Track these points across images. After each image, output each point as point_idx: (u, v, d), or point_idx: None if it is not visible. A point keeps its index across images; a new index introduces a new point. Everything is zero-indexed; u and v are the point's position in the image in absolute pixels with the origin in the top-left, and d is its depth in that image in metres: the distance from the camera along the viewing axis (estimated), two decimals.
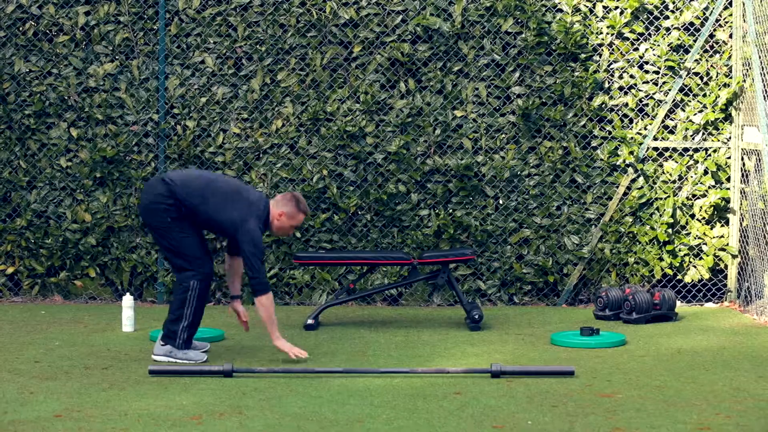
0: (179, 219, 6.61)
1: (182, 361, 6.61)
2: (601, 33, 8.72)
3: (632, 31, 8.71)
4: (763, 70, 8.13)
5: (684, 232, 8.73)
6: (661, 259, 8.69)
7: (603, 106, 8.72)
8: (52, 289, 8.88)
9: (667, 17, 8.72)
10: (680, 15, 8.69)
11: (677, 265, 8.71)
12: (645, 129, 8.73)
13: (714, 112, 8.65)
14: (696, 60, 8.69)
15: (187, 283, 6.63)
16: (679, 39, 8.69)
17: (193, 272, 6.63)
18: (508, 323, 8.00)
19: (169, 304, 6.87)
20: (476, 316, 7.72)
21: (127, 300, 7.65)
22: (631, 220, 8.72)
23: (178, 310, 6.66)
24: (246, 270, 6.59)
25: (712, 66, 8.71)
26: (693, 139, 8.73)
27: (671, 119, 8.76)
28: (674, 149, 8.75)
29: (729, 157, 8.71)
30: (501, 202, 8.76)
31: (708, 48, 8.72)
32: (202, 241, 6.73)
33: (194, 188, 6.62)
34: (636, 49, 8.72)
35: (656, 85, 8.72)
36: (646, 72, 8.73)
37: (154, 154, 8.80)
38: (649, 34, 8.73)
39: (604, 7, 8.73)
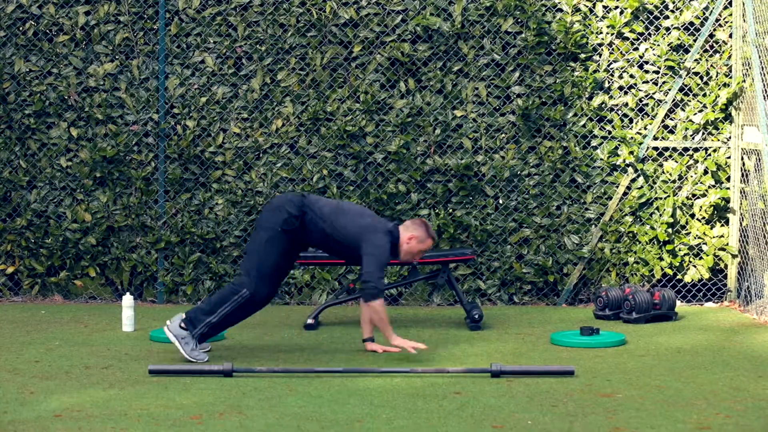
0: (287, 235, 6.63)
1: (187, 356, 6.57)
2: (601, 33, 8.72)
3: (632, 31, 8.70)
4: (762, 69, 8.12)
5: (684, 231, 8.73)
6: (661, 259, 8.69)
7: (603, 105, 8.71)
8: (52, 289, 8.88)
9: (667, 17, 8.71)
10: (680, 15, 8.69)
11: (677, 264, 8.70)
12: (645, 129, 8.72)
13: (714, 111, 8.65)
14: (696, 60, 8.69)
15: (240, 288, 6.62)
16: (679, 39, 8.69)
17: (251, 284, 6.60)
18: (508, 323, 8.00)
19: (210, 294, 6.86)
20: (476, 316, 7.71)
21: (127, 300, 7.65)
22: (631, 219, 8.71)
23: (214, 305, 6.61)
24: (361, 270, 6.59)
25: (712, 66, 8.71)
26: (693, 138, 8.72)
27: (671, 119, 8.75)
28: (674, 149, 8.74)
29: (729, 157, 8.70)
30: (501, 201, 8.75)
31: (708, 48, 8.71)
32: (282, 271, 6.73)
33: (326, 204, 6.73)
34: (636, 49, 8.72)
35: (656, 84, 8.71)
36: (646, 72, 8.72)
37: (154, 153, 8.80)
38: (649, 34, 8.72)
39: (604, 7, 8.73)
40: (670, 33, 8.70)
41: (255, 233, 6.73)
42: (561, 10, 8.71)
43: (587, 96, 8.70)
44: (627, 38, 8.73)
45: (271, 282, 6.68)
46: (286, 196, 6.82)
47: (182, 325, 6.62)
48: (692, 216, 8.74)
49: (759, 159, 8.30)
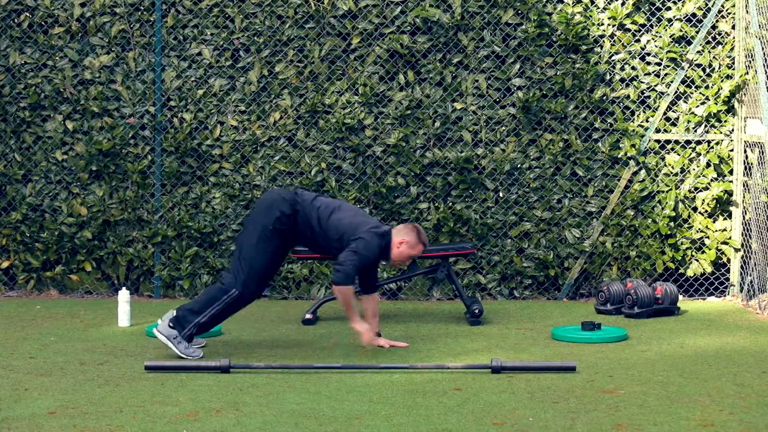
0: (278, 233, 6.53)
1: (181, 354, 6.49)
2: (603, 24, 8.65)
3: (634, 23, 8.64)
4: (766, 61, 8.06)
5: (686, 225, 8.66)
6: (663, 253, 8.63)
7: (604, 98, 8.65)
8: (47, 284, 8.82)
9: (669, 8, 8.65)
10: (682, 6, 8.62)
11: (679, 258, 8.64)
12: (647, 121, 8.66)
13: (716, 104, 8.58)
14: (698, 51, 8.62)
15: (229, 288, 6.51)
16: (681, 30, 8.62)
17: (240, 284, 6.51)
18: (509, 318, 7.95)
19: (200, 294, 6.70)
20: (476, 311, 7.66)
21: (123, 294, 7.59)
22: (632, 213, 8.65)
23: (203, 306, 6.51)
24: (339, 257, 6.48)
25: (714, 57, 8.64)
26: (695, 131, 8.66)
27: (673, 111, 8.69)
28: (676, 141, 8.68)
29: (732, 150, 8.64)
30: (501, 195, 8.69)
31: (710, 39, 8.64)
32: (271, 270, 6.62)
33: (320, 201, 6.63)
34: (638, 41, 8.65)
35: (658, 76, 8.65)
36: (648, 63, 8.66)
37: (150, 147, 8.73)
38: (651, 26, 8.66)
39: None
40: (672, 24, 8.63)
41: (245, 231, 6.61)
42: (562, 1, 8.64)
43: (588, 88, 8.64)
44: (629, 30, 8.66)
45: (260, 281, 6.57)
46: (279, 193, 6.70)
47: (171, 324, 6.54)
48: (695, 209, 8.68)
49: (762, 152, 8.24)
